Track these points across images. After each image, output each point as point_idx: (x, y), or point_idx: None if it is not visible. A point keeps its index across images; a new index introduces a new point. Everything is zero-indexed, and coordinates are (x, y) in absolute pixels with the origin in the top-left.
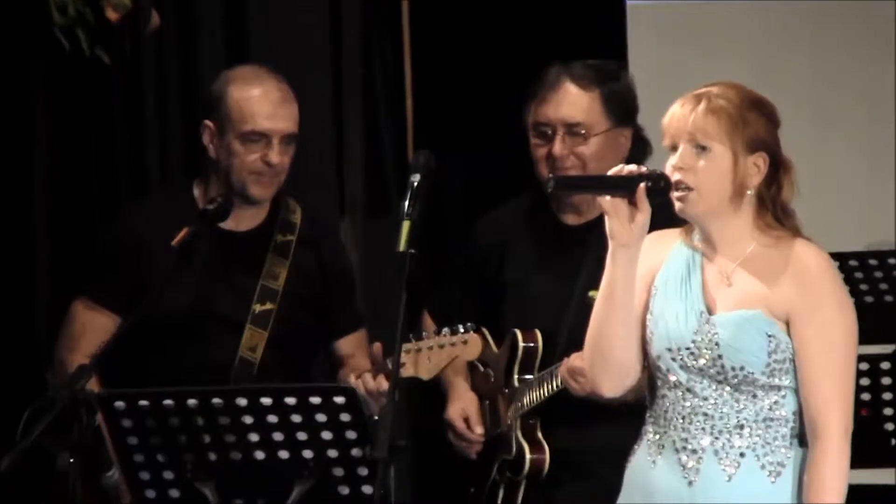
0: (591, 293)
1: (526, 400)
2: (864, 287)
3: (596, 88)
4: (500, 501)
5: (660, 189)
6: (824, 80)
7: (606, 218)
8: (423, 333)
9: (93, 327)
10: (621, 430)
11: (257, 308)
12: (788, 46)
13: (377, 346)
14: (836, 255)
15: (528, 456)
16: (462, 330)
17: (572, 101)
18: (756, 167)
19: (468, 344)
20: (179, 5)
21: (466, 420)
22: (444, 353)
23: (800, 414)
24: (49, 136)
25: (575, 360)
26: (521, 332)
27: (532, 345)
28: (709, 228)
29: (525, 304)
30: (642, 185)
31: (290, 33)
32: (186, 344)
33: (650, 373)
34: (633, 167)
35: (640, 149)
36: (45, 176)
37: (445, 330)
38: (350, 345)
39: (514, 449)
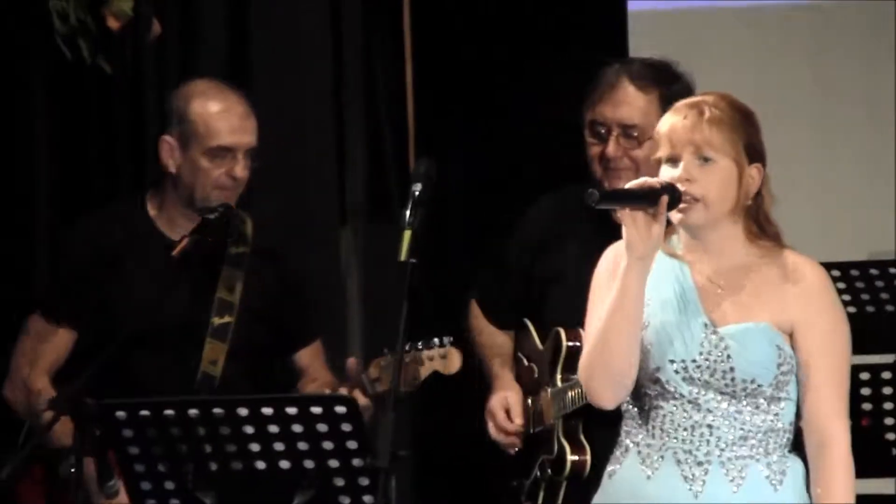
0: None
1: (568, 400)
2: (865, 297)
3: (655, 90)
4: (540, 500)
5: (674, 200)
6: (824, 86)
7: (625, 229)
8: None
9: (48, 342)
10: None
11: (216, 321)
12: (788, 51)
13: (352, 360)
14: (837, 265)
15: (569, 457)
16: (439, 344)
17: (630, 101)
18: (752, 178)
19: (447, 358)
20: (180, 13)
21: (508, 411)
22: (423, 368)
23: (795, 424)
24: (50, 143)
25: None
26: (564, 330)
27: (576, 344)
28: (707, 239)
29: (568, 298)
30: (664, 197)
31: (292, 38)
32: (145, 357)
33: (639, 383)
34: (653, 180)
35: None
36: (46, 183)
37: (421, 343)
38: (308, 356)
39: (556, 449)
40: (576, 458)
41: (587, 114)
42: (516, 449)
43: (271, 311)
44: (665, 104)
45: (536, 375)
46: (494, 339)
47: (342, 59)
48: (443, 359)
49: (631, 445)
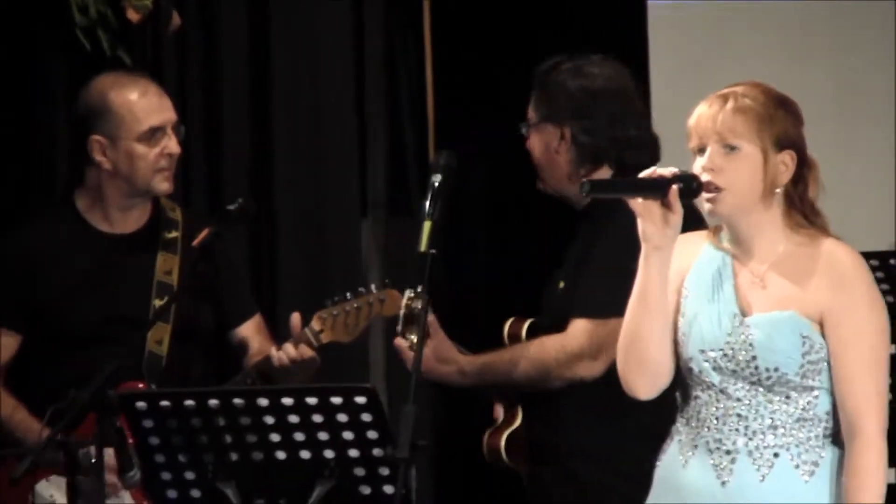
0: None
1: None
2: (884, 287)
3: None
4: None
5: (692, 190)
6: (846, 79)
7: (639, 220)
8: (336, 298)
9: None
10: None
11: (157, 303)
12: (809, 45)
13: (295, 315)
14: (876, 254)
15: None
16: (375, 289)
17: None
18: (784, 165)
19: (385, 301)
20: (201, 6)
21: None
22: (362, 312)
23: (834, 414)
24: (69, 136)
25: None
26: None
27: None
28: (739, 229)
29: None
30: (675, 186)
31: (313, 34)
32: (96, 349)
33: (682, 374)
34: (664, 170)
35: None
36: (66, 177)
37: (361, 290)
38: (249, 330)
39: None
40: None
41: None
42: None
43: (207, 291)
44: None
45: None
46: None
47: (363, 52)
48: (381, 302)
49: (675, 435)
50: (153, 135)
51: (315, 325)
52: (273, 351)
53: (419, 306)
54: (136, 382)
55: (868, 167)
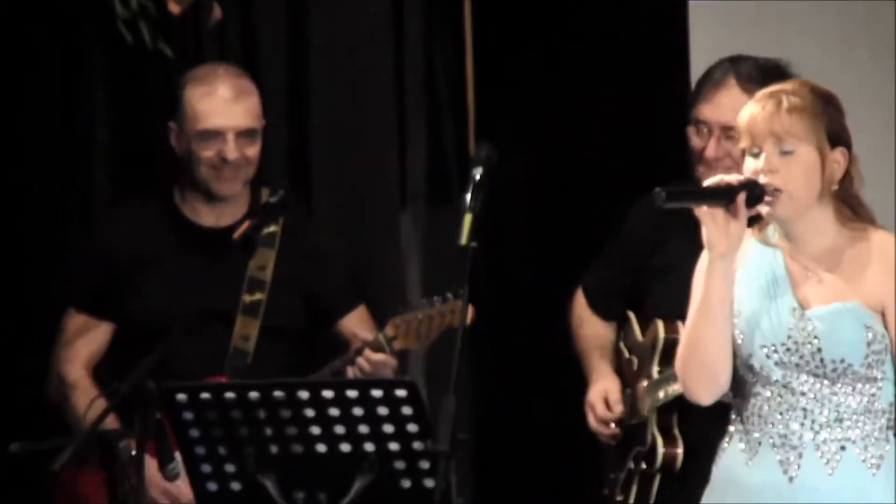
0: None
1: (662, 393)
2: None
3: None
4: (634, 492)
5: (755, 197)
6: (886, 73)
7: (704, 227)
8: (412, 304)
9: (83, 336)
10: None
11: (247, 299)
12: (849, 40)
13: (359, 328)
14: None
15: (660, 449)
16: (451, 298)
17: (732, 104)
18: (837, 163)
19: (455, 312)
20: None
21: (606, 402)
22: (435, 322)
23: (894, 405)
24: (110, 129)
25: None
26: (663, 322)
27: (674, 336)
28: (794, 226)
29: (672, 291)
30: (742, 194)
31: (353, 25)
32: (182, 342)
33: (738, 372)
34: (730, 177)
35: None
36: (107, 170)
37: (436, 299)
38: (353, 323)
39: (649, 440)
40: (667, 450)
41: (693, 109)
42: (615, 440)
43: (304, 286)
44: None
45: (636, 368)
46: (596, 330)
47: (403, 44)
48: (452, 313)
49: (734, 433)
50: (210, 136)
51: (389, 331)
52: (355, 356)
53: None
54: (218, 377)
55: None
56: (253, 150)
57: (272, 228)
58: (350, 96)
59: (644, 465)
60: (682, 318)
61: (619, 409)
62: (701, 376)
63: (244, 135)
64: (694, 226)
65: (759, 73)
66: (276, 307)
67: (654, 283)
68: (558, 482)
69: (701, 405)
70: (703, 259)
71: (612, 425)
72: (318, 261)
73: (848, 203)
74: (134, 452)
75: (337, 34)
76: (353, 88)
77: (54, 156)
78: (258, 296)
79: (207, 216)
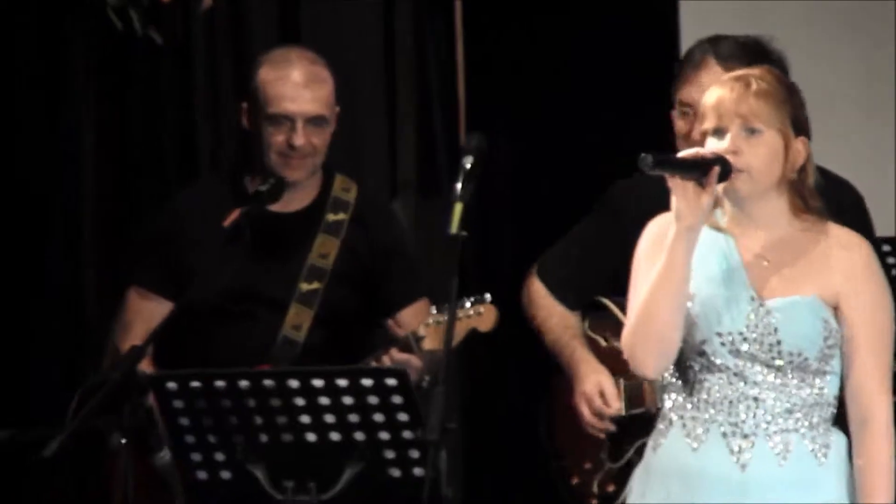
0: None
1: None
2: None
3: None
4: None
5: (725, 172)
6: (877, 72)
7: (674, 199)
8: (436, 307)
9: (143, 314)
10: None
11: (304, 287)
12: (837, 41)
13: (391, 322)
14: (888, 240)
15: None
16: (474, 301)
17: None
18: (799, 151)
19: (483, 315)
20: None
21: (602, 395)
22: (461, 324)
23: (839, 398)
24: (98, 117)
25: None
26: None
27: None
28: (750, 210)
29: None
30: (716, 168)
31: (343, 13)
32: (232, 325)
33: (683, 356)
34: (704, 151)
35: None
36: (94, 157)
37: (463, 299)
38: (411, 316)
39: None
40: None
41: (675, 92)
42: (605, 433)
43: (364, 277)
44: None
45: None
46: (567, 320)
47: (394, 34)
48: (479, 316)
49: (675, 418)
50: (278, 121)
51: (421, 330)
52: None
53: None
54: (261, 367)
55: (891, 156)
56: (320, 139)
57: (340, 216)
58: (340, 86)
59: None
60: None
61: (616, 404)
62: (653, 347)
63: (313, 122)
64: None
65: (741, 50)
66: (333, 297)
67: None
68: (547, 473)
69: (647, 377)
70: (647, 235)
71: (607, 420)
72: (383, 251)
73: (801, 194)
74: (123, 441)
75: (327, 24)
76: (343, 77)
77: (40, 145)
78: (316, 285)
79: (282, 200)
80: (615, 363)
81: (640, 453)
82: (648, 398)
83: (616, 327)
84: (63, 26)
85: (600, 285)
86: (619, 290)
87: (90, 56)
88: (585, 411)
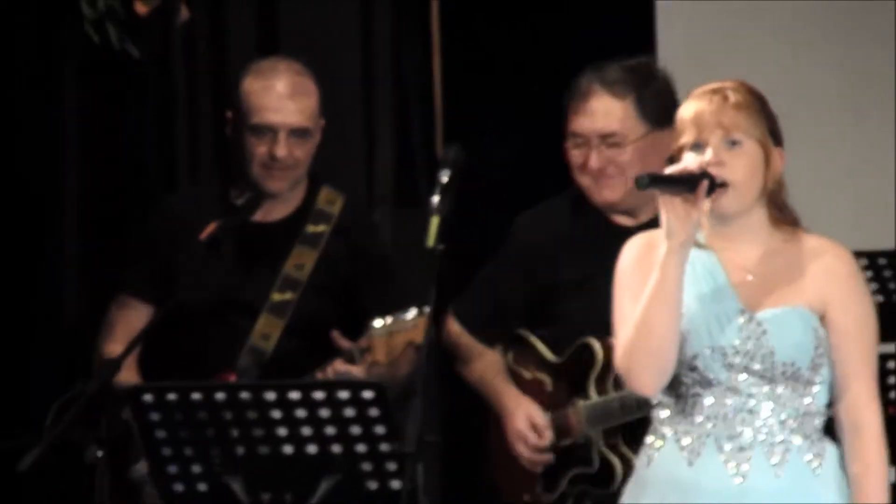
0: None
1: (615, 419)
2: (892, 286)
3: (629, 94)
4: None
5: (712, 187)
6: (853, 74)
7: (664, 216)
8: (378, 322)
9: (127, 320)
10: None
11: (276, 297)
12: (818, 41)
13: (336, 333)
14: (865, 254)
15: (619, 469)
16: (417, 313)
17: (605, 111)
18: (777, 161)
19: (418, 327)
20: None
21: (535, 428)
22: (400, 337)
23: (826, 407)
24: (79, 129)
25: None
26: (598, 342)
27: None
28: (736, 224)
29: (592, 308)
30: (705, 182)
31: (321, 25)
32: (207, 331)
33: (676, 371)
34: (691, 165)
35: None
36: (76, 169)
37: (403, 313)
38: None
39: (597, 463)
40: (629, 469)
41: (567, 124)
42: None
43: (340, 286)
44: (643, 105)
45: (551, 389)
46: (489, 357)
47: (371, 47)
48: (415, 328)
49: (668, 433)
50: (261, 131)
51: (364, 342)
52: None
53: None
54: (227, 375)
55: (875, 161)
56: (303, 151)
57: (320, 228)
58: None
59: (591, 488)
60: (607, 334)
61: (548, 434)
62: (651, 363)
63: (296, 134)
64: (602, 239)
65: (627, 74)
66: (307, 308)
67: (567, 300)
68: None
69: (646, 396)
70: (628, 253)
71: (544, 452)
72: (364, 260)
73: (777, 205)
74: (100, 453)
75: (305, 36)
76: (321, 89)
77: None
78: (289, 295)
79: (266, 210)
80: (540, 395)
81: (574, 483)
82: (575, 428)
83: (539, 360)
84: (46, 39)
85: (516, 319)
86: (536, 322)
87: (72, 68)
88: (522, 450)
